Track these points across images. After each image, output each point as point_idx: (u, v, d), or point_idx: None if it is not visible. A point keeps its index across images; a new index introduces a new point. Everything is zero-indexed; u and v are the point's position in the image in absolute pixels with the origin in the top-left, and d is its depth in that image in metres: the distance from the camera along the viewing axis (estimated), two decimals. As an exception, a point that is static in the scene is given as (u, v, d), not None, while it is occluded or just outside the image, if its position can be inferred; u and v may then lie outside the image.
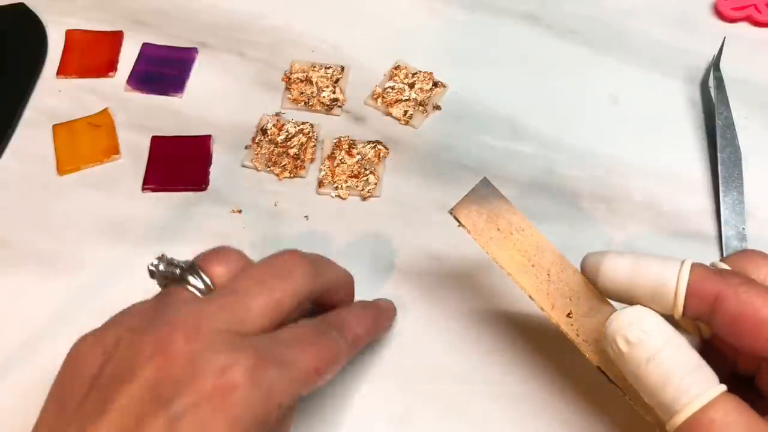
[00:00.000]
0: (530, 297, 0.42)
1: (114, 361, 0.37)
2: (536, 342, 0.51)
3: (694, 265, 0.38)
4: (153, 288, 0.42)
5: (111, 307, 0.40)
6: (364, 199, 0.58)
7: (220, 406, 0.35)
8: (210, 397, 0.35)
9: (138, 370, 0.35)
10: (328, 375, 0.41)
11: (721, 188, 0.57)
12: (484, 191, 0.44)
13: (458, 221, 0.44)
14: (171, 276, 0.40)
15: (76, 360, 0.38)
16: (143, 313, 0.39)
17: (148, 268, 0.41)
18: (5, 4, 0.70)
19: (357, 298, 0.53)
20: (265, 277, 0.40)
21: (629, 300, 0.39)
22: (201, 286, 0.40)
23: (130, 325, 0.38)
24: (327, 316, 0.44)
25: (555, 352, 0.50)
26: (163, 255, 0.41)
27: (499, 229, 0.43)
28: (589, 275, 0.40)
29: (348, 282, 0.48)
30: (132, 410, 0.35)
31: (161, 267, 0.41)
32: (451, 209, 0.44)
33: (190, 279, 0.40)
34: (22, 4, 0.70)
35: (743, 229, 0.55)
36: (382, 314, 0.51)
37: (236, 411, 0.35)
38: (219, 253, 0.42)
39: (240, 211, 0.57)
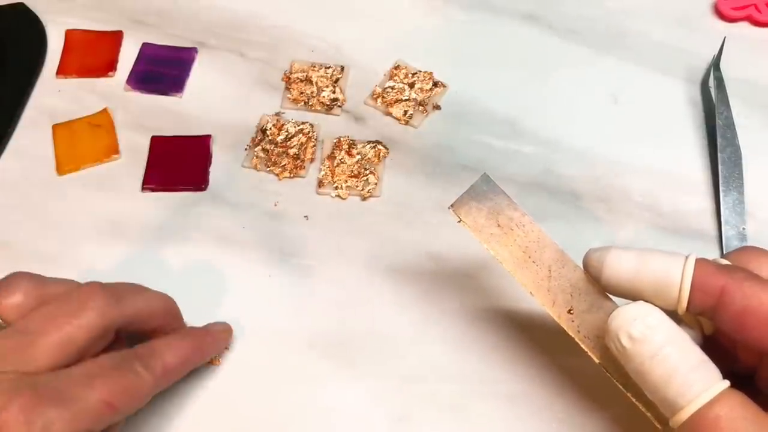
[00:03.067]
0: (531, 293, 0.42)
1: None
2: (536, 341, 0.51)
3: (698, 260, 0.38)
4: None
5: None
6: (364, 199, 0.58)
7: None
8: None
9: None
10: (126, 408, 0.40)
11: (721, 188, 0.57)
12: (484, 187, 0.44)
13: (458, 218, 0.44)
14: None
15: None
16: None
17: None
18: (5, 4, 0.70)
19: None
20: (56, 314, 0.40)
21: (632, 295, 0.39)
22: None
23: None
24: (136, 348, 0.43)
25: (555, 351, 0.50)
26: None
27: (499, 226, 0.43)
28: (592, 270, 0.40)
29: (163, 309, 0.47)
30: None
31: None
32: (451, 205, 0.44)
33: None
34: (21, 4, 0.70)
35: (743, 229, 0.55)
36: (207, 341, 0.50)
37: None
38: (8, 282, 0.42)
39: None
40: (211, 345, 0.50)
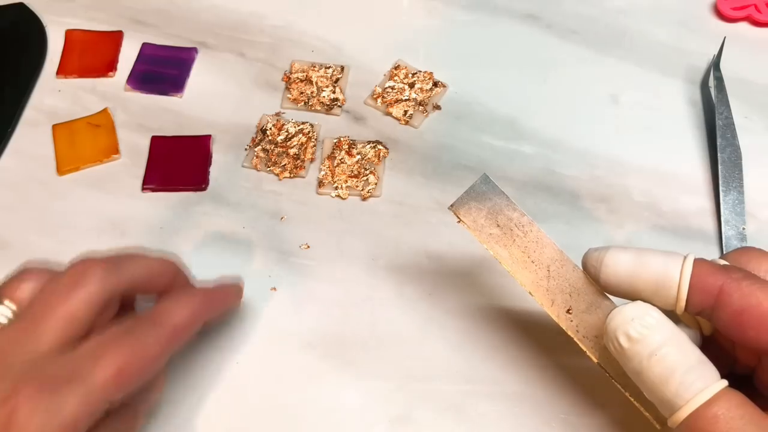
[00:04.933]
0: (530, 293, 0.42)
1: None
2: (536, 341, 0.51)
3: (696, 260, 0.38)
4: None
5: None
6: (364, 199, 0.58)
7: None
8: None
9: None
10: (139, 375, 0.40)
11: (721, 188, 0.57)
12: (484, 188, 0.44)
13: (458, 218, 0.44)
14: None
15: None
16: None
17: None
18: (5, 4, 0.70)
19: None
20: (55, 293, 0.40)
21: (631, 295, 0.39)
22: (8, 314, 0.40)
23: None
24: (143, 311, 0.44)
25: (554, 350, 0.50)
26: None
27: (498, 226, 0.43)
28: (591, 270, 0.40)
29: (164, 271, 0.47)
30: None
31: None
32: (451, 205, 0.44)
33: None
34: (22, 4, 0.70)
35: (743, 229, 0.55)
36: (216, 296, 0.49)
37: None
38: (20, 274, 0.42)
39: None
40: (220, 300, 0.50)
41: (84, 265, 0.41)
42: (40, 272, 0.42)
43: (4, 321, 0.40)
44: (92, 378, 0.38)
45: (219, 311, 0.50)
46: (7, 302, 0.41)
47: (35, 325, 0.39)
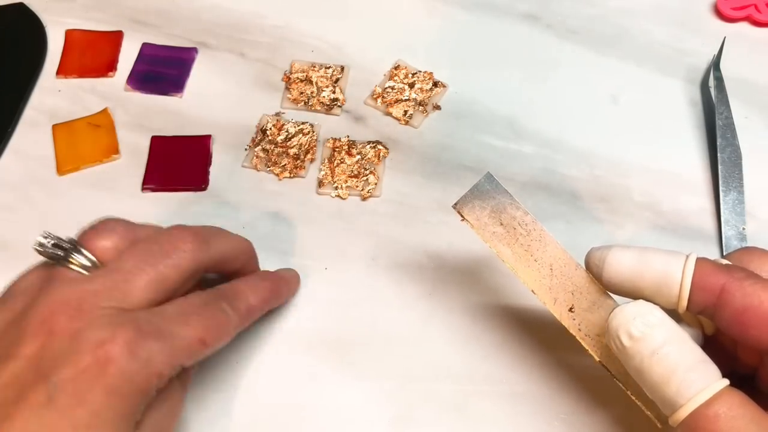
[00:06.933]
0: (532, 291, 0.42)
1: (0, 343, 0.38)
2: (537, 340, 0.51)
3: (699, 259, 0.38)
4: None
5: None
6: (364, 199, 0.58)
7: (98, 377, 0.36)
8: (88, 370, 0.36)
9: (21, 347, 0.37)
10: (215, 344, 0.42)
11: (721, 188, 0.57)
12: (488, 186, 0.44)
13: (461, 216, 0.44)
14: (55, 257, 0.41)
15: None
16: (28, 295, 0.40)
17: (34, 248, 0.42)
18: (5, 4, 0.70)
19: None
20: (150, 254, 0.42)
21: (633, 293, 0.39)
22: (86, 263, 0.41)
23: (16, 307, 0.40)
24: (220, 288, 0.46)
25: (555, 350, 0.50)
26: (48, 233, 0.42)
27: (502, 224, 0.43)
28: (593, 268, 0.40)
29: (245, 250, 0.49)
30: (14, 385, 0.36)
31: (47, 246, 0.42)
32: (455, 204, 0.44)
33: (74, 258, 0.41)
34: (21, 4, 0.70)
35: (743, 229, 0.55)
36: (282, 284, 0.52)
37: (114, 381, 0.36)
38: (103, 226, 0.44)
39: None
40: (284, 288, 0.52)
41: (179, 233, 0.44)
42: (122, 229, 0.43)
43: (83, 271, 0.41)
44: (179, 337, 0.40)
45: (284, 298, 0.53)
46: (86, 252, 0.42)
47: (126, 279, 0.40)
